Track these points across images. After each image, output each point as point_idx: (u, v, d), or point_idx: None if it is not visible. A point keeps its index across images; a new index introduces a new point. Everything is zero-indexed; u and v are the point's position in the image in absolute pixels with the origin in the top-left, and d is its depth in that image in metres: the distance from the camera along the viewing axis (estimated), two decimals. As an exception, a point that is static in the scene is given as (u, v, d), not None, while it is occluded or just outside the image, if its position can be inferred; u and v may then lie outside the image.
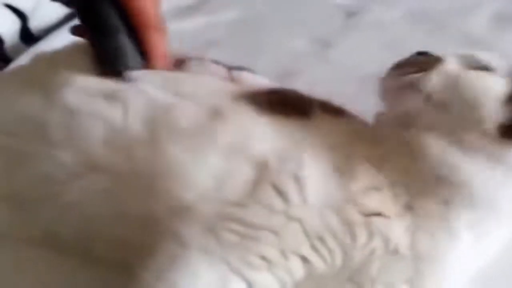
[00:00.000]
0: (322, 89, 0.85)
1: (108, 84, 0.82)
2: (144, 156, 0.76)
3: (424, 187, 0.73)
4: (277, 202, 0.71)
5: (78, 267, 0.79)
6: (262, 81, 0.88)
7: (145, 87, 0.81)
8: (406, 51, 1.17)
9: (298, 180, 0.72)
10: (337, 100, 0.84)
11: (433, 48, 1.18)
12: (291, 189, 0.72)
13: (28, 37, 1.30)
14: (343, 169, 0.74)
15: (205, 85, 0.83)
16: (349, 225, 0.71)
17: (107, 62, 0.85)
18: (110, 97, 0.80)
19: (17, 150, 0.80)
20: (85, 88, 0.81)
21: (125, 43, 0.86)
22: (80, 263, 0.79)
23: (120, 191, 0.76)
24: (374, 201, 0.72)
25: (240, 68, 0.89)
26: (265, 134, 0.76)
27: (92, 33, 0.87)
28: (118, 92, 0.81)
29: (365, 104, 0.85)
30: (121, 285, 0.72)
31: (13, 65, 1.16)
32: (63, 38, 1.14)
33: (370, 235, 0.71)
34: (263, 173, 0.73)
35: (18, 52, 1.24)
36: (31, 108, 0.82)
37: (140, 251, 0.73)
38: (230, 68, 0.88)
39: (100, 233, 0.77)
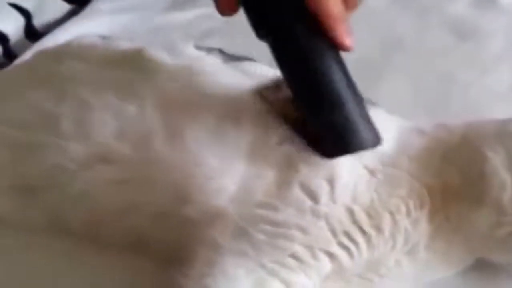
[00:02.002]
0: None
1: (122, 74, 0.83)
2: (165, 151, 0.76)
3: (455, 195, 0.74)
4: (306, 201, 0.72)
5: (85, 253, 0.80)
6: (265, 71, 0.87)
7: (163, 79, 0.82)
8: (394, 35, 1.21)
9: (329, 180, 0.73)
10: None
11: (420, 31, 1.22)
12: (320, 188, 0.73)
13: (32, 33, 1.32)
14: (374, 170, 0.75)
15: (223, 81, 0.83)
16: (375, 219, 0.72)
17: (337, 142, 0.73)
18: (124, 88, 0.81)
19: (26, 141, 0.81)
20: (96, 79, 0.83)
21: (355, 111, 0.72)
22: (87, 248, 0.80)
23: (133, 183, 0.76)
24: (401, 201, 0.73)
25: (242, 58, 0.90)
26: (285, 132, 0.77)
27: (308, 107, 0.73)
28: (133, 83, 0.81)
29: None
30: (131, 268, 0.76)
31: (18, 61, 1.18)
32: (67, 34, 1.18)
33: (395, 230, 0.72)
34: (289, 173, 0.74)
35: (23, 48, 1.26)
36: (40, 100, 0.83)
37: (161, 244, 0.76)
38: (232, 58, 0.89)
39: (110, 222, 0.78)
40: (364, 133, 0.74)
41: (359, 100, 0.74)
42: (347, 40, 0.72)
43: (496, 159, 0.73)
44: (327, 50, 0.72)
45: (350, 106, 0.72)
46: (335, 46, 0.72)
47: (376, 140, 0.75)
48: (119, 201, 0.77)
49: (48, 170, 0.80)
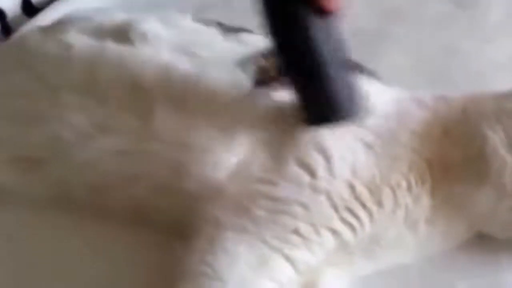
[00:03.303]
0: None
1: (129, 47, 0.83)
2: (165, 123, 0.77)
3: (456, 172, 0.75)
4: (303, 176, 0.73)
5: (88, 226, 0.81)
6: (261, 41, 0.88)
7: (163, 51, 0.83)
8: (393, 6, 1.20)
9: (322, 153, 0.74)
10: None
11: (419, 1, 1.21)
12: (316, 161, 0.74)
13: (29, 8, 1.31)
14: (374, 146, 0.75)
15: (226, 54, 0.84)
16: (377, 194, 0.72)
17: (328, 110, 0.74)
18: (122, 61, 0.82)
19: (27, 113, 0.83)
20: (99, 50, 0.83)
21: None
22: (90, 222, 0.81)
23: (134, 155, 0.78)
24: (402, 176, 0.74)
25: (239, 30, 0.90)
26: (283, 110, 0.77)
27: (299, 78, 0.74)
28: (129, 55, 0.82)
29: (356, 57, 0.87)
30: (134, 241, 0.77)
31: (15, 36, 1.17)
32: (64, 9, 1.17)
33: (396, 205, 0.73)
34: (286, 148, 0.75)
35: (20, 23, 1.26)
36: (40, 72, 0.84)
37: (162, 217, 0.77)
38: (230, 30, 0.89)
39: (113, 190, 0.79)
40: (347, 104, 0.74)
41: (346, 69, 0.74)
42: (330, 4, 0.71)
43: (495, 138, 0.74)
44: (309, 17, 0.71)
45: (332, 75, 0.72)
46: (320, 12, 0.71)
47: (360, 111, 0.76)
48: (121, 171, 0.78)
49: (51, 141, 0.81)
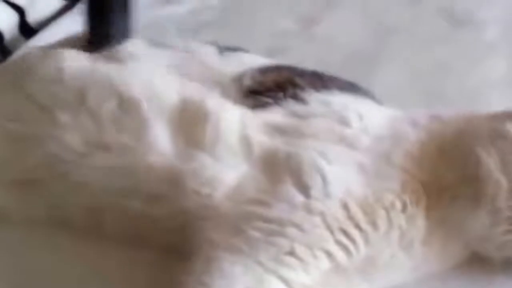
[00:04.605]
0: (309, 65, 0.89)
1: (117, 65, 0.84)
2: (163, 137, 0.78)
3: (451, 193, 0.75)
4: (298, 196, 0.73)
5: (85, 245, 0.80)
6: (257, 60, 0.89)
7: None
8: (388, 24, 1.21)
9: (320, 172, 0.74)
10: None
11: (414, 19, 1.22)
12: (312, 181, 0.73)
13: (26, 30, 1.31)
14: (367, 167, 0.75)
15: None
16: (371, 215, 0.72)
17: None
18: (114, 80, 0.82)
19: (23, 134, 0.83)
20: (90, 70, 0.84)
21: None
22: (87, 241, 0.80)
23: (130, 169, 0.78)
24: (396, 197, 0.73)
25: (235, 49, 0.91)
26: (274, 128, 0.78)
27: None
28: (120, 74, 0.83)
29: (350, 78, 0.87)
30: (130, 260, 0.77)
31: (12, 58, 1.17)
32: (61, 30, 1.17)
33: (390, 226, 0.73)
34: (281, 167, 0.75)
35: (17, 45, 1.26)
36: (35, 93, 0.84)
37: (159, 235, 0.76)
38: (225, 49, 0.90)
39: (109, 206, 0.79)
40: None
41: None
42: None
43: (489, 161, 0.74)
44: None
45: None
46: None
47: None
48: (117, 186, 0.78)
49: (47, 162, 0.81)
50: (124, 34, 0.92)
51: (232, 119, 0.79)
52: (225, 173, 0.75)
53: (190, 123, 0.79)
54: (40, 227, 0.83)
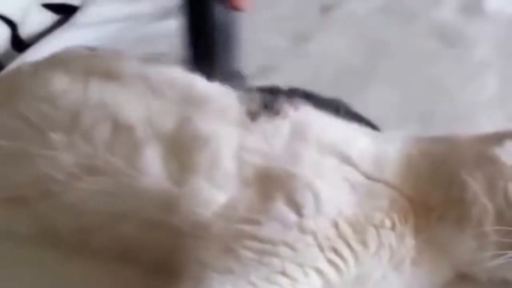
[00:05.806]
0: (300, 82, 0.89)
1: (113, 86, 0.83)
2: (156, 159, 0.77)
3: (438, 214, 0.74)
4: (290, 214, 0.72)
5: (74, 264, 0.80)
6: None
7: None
8: (380, 42, 1.22)
9: (312, 190, 0.73)
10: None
11: (406, 37, 1.23)
12: (305, 200, 0.73)
13: (18, 44, 1.32)
14: (357, 184, 0.75)
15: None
16: (361, 233, 0.72)
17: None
18: (108, 100, 0.82)
19: (14, 151, 0.82)
20: (83, 90, 0.83)
21: None
22: (75, 259, 0.80)
23: (122, 193, 0.77)
24: (385, 215, 0.73)
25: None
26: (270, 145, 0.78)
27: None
28: (120, 88, 0.83)
29: (342, 96, 0.88)
30: (119, 278, 0.76)
31: (4, 72, 1.17)
32: (53, 45, 1.17)
33: (380, 244, 0.72)
34: (274, 184, 0.75)
35: (9, 59, 1.27)
36: (26, 111, 0.83)
37: (148, 254, 0.76)
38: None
39: (99, 230, 0.78)
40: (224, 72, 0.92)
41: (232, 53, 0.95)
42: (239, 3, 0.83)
43: (475, 185, 0.73)
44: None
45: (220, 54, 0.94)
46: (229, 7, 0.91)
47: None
48: (108, 210, 0.77)
49: (38, 181, 0.80)
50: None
51: (228, 142, 0.78)
52: (219, 195, 0.75)
53: (185, 147, 0.78)
54: (27, 244, 0.82)
